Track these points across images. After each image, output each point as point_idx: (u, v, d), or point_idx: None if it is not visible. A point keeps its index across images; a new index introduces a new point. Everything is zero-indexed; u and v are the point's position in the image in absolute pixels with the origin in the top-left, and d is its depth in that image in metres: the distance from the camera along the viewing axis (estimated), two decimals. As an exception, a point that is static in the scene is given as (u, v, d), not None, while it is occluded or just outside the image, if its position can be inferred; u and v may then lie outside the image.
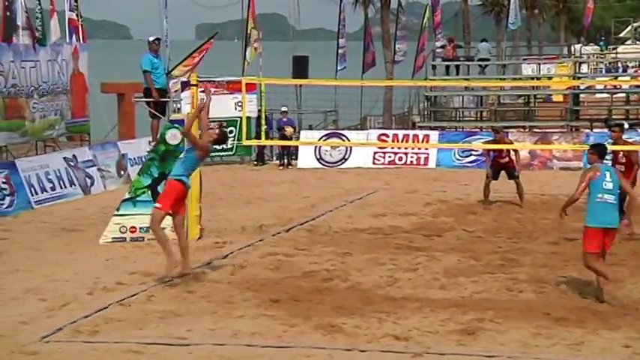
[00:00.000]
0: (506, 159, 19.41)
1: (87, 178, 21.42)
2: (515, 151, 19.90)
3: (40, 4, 25.03)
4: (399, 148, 26.99)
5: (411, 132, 29.46)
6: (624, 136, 17.04)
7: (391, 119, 35.50)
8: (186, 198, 13.16)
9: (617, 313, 10.56)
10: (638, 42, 51.82)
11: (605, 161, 11.84)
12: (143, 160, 19.16)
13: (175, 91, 26.63)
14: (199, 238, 15.56)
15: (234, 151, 28.71)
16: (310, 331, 10.12)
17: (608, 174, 11.39)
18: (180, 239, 12.61)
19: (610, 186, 11.30)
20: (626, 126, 29.12)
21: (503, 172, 19.47)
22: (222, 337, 9.93)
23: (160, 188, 15.63)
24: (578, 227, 15.90)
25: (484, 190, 19.23)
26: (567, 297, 11.38)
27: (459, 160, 26.49)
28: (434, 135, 27.86)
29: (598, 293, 11.23)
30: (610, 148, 15.25)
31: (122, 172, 22.95)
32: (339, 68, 33.66)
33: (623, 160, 16.08)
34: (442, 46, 36.13)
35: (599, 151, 11.83)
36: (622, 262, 13.39)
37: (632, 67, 41.94)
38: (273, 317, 10.66)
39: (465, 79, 33.77)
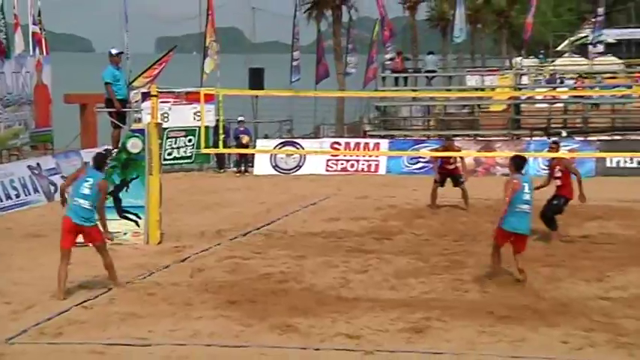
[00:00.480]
0: (453, 166, 19.54)
1: (51, 186, 21.17)
2: (462, 158, 20.05)
3: (4, 18, 24.75)
4: (350, 155, 27.06)
5: (362, 140, 29.56)
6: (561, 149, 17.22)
7: (343, 128, 35.56)
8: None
9: (556, 311, 10.67)
10: (574, 55, 52.43)
11: (523, 172, 12.25)
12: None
13: (136, 101, 26.48)
14: (159, 242, 15.47)
15: (193, 159, 28.61)
16: (266, 331, 10.10)
17: (527, 186, 12.00)
18: (103, 260, 12.20)
19: (528, 197, 11.97)
20: (564, 134, 29.68)
21: (450, 179, 19.62)
22: (182, 338, 9.88)
23: (121, 195, 15.58)
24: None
25: (432, 195, 19.34)
26: (509, 296, 11.47)
27: (407, 167, 26.60)
28: (384, 143, 27.97)
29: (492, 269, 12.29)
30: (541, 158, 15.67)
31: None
32: (293, 79, 33.68)
33: (559, 175, 16.15)
34: (391, 59, 36.27)
35: (515, 163, 12.30)
36: (561, 263, 13.56)
37: (570, 78, 42.43)
38: (230, 318, 10.63)
39: (413, 90, 33.91)
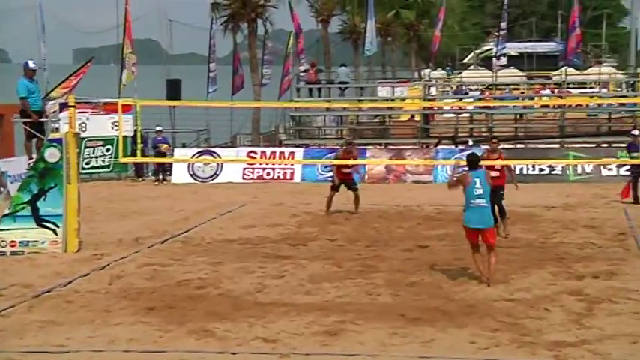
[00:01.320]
0: (349, 170, 19.65)
1: (-32, 195, 20.64)
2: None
3: None
4: (266, 164, 27.07)
5: (277, 149, 29.60)
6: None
7: (259, 138, 35.54)
8: None
9: (464, 312, 10.82)
10: (479, 67, 53.39)
11: (476, 169, 12.42)
12: (23, 177, 18.61)
13: (53, 111, 26.03)
14: (78, 250, 15.22)
15: (111, 168, 28.26)
16: (184, 336, 10.01)
17: (478, 181, 12.10)
18: None
19: (480, 192, 12.05)
20: (470, 143, 30.19)
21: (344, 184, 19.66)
22: (100, 344, 9.72)
23: (39, 204, 15.28)
24: (430, 235, 16.37)
25: (328, 201, 19.52)
26: (420, 299, 11.59)
27: (322, 174, 26.69)
28: (299, 152, 28.04)
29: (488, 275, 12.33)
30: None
31: (2, 189, 22.21)
32: (210, 90, 33.56)
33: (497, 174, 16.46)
34: (305, 70, 36.38)
35: (468, 160, 12.52)
36: (468, 265, 13.72)
37: (476, 89, 43.20)
38: (149, 324, 10.51)
39: (327, 101, 34.10)
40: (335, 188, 19.60)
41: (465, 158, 12.76)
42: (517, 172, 26.36)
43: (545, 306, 11.16)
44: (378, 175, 26.90)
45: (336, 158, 20.06)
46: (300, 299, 11.80)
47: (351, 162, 19.37)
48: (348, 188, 19.65)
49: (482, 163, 17.97)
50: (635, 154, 20.93)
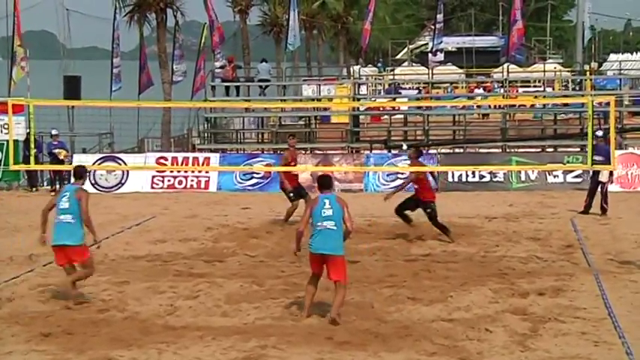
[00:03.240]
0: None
1: None
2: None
3: None
4: (178, 171, 26.91)
5: (190, 154, 29.50)
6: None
7: (170, 141, 35.32)
8: None
9: (398, 335, 10.91)
10: (414, 64, 54.00)
11: (327, 191, 11.96)
12: None
13: None
14: (-38, 270, 14.92)
15: (0, 176, 27.80)
16: (85, 366, 9.89)
17: (327, 202, 11.72)
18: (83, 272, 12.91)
19: (329, 212, 11.63)
20: (405, 147, 30.47)
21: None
22: (-12, 377, 9.55)
23: None
24: (360, 249, 16.45)
25: (288, 212, 19.48)
26: (350, 320, 11.64)
27: (240, 182, 26.68)
28: (214, 157, 27.97)
29: (332, 314, 11.52)
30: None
31: None
32: (113, 89, 33.27)
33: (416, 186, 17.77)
34: (222, 67, 36.29)
35: (318, 182, 12.21)
36: (403, 283, 13.86)
37: (410, 88, 43.66)
38: (44, 352, 10.36)
39: (246, 100, 34.05)
40: (295, 197, 19.33)
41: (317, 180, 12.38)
42: (455, 178, 26.93)
43: (487, 326, 11.31)
44: (304, 183, 26.76)
45: (285, 161, 19.96)
46: (217, 322, 11.76)
47: (295, 169, 19.46)
48: (302, 197, 19.39)
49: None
50: (598, 158, 19.29)
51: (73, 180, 13.59)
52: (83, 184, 13.47)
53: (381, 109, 35.54)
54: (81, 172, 13.55)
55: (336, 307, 11.54)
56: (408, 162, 18.74)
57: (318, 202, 11.76)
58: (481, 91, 41.34)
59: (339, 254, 11.65)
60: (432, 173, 18.43)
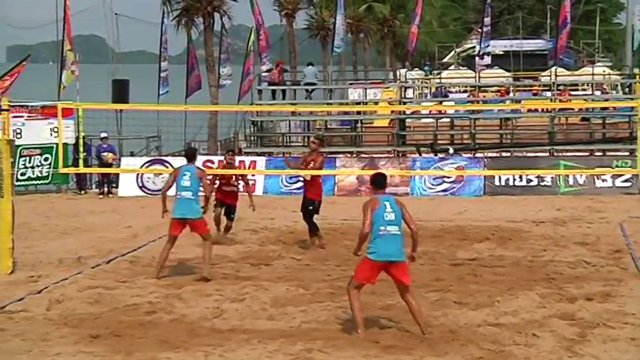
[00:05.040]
0: (230, 188, 18.74)
1: None
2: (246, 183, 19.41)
3: None
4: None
5: (237, 158, 29.51)
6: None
7: (216, 145, 35.48)
8: None
9: (445, 339, 10.85)
10: (461, 67, 53.68)
11: (382, 192, 11.31)
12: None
13: (-15, 116, 25.80)
14: (11, 272, 15.09)
15: (50, 179, 28.09)
16: (133, 368, 9.96)
17: (388, 205, 11.06)
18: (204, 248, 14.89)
19: (392, 217, 10.99)
20: (451, 151, 30.36)
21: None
22: (37, 378, 9.64)
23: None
24: (406, 253, 16.36)
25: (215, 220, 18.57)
26: (395, 324, 11.61)
27: (286, 186, 26.74)
28: (261, 161, 28.05)
29: (354, 322, 11.11)
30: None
31: None
32: (161, 92, 33.48)
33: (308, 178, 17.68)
34: (268, 70, 36.41)
35: (373, 181, 11.45)
36: (449, 287, 13.80)
37: (457, 91, 43.42)
38: (92, 354, 10.43)
39: (292, 104, 34.12)
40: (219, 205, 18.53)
41: (372, 178, 11.57)
42: (502, 182, 26.76)
43: (534, 331, 11.22)
44: (349, 187, 26.97)
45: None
46: (263, 325, 11.78)
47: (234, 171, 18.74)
48: (226, 213, 18.61)
49: (297, 172, 19.29)
50: None
51: (187, 162, 15.11)
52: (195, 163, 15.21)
53: (429, 112, 35.38)
54: (193, 154, 15.48)
55: (421, 314, 11.17)
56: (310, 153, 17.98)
57: (379, 204, 11.00)
58: (527, 94, 41.03)
59: (405, 259, 11.15)
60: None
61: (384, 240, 10.93)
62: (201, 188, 14.95)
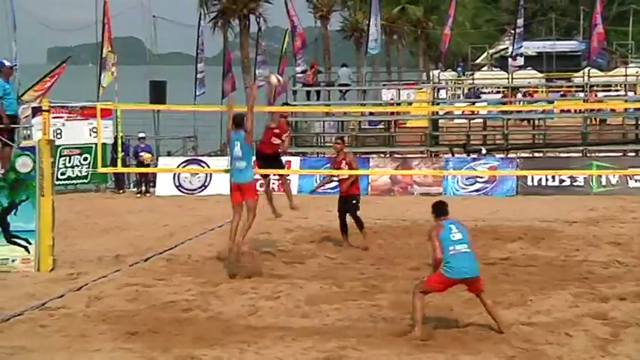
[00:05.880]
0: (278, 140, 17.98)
1: None
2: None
3: None
4: (260, 174, 26.98)
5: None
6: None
7: (251, 145, 35.52)
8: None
9: (478, 338, 10.81)
10: (494, 68, 53.47)
11: (445, 218, 11.46)
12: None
13: (26, 117, 26.05)
14: (52, 269, 15.21)
15: (89, 178, 28.28)
16: (169, 364, 10.00)
17: (453, 227, 11.27)
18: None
19: (459, 236, 11.16)
20: (484, 151, 30.23)
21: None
22: (77, 373, 9.70)
23: (9, 218, 15.24)
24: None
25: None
26: (429, 322, 11.57)
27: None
28: (295, 161, 28.06)
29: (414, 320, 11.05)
30: None
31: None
32: (197, 93, 33.59)
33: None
34: (303, 71, 36.44)
35: (435, 209, 11.61)
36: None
37: (489, 92, 43.24)
38: (130, 350, 10.49)
39: (326, 105, 34.12)
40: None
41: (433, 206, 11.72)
42: (535, 182, 26.62)
43: (567, 331, 11.15)
44: (383, 187, 26.92)
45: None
46: (297, 323, 11.79)
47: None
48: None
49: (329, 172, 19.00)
50: None
51: (235, 129, 15.70)
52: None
53: (461, 112, 35.28)
54: (240, 120, 15.70)
55: (499, 314, 11.42)
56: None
57: (443, 228, 11.25)
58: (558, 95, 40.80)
59: (479, 275, 11.38)
60: None
61: (456, 259, 11.05)
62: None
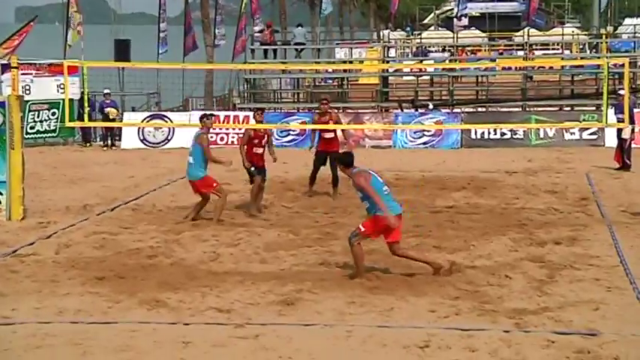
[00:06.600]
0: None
1: None
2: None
3: None
4: (220, 128, 26.90)
5: (231, 113, 29.48)
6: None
7: (212, 101, 35.34)
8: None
9: (424, 281, 10.89)
10: (440, 28, 53.37)
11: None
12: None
13: (-5, 73, 25.64)
14: (22, 218, 15.08)
15: (57, 132, 27.99)
16: (135, 307, 9.97)
17: (373, 172, 11.28)
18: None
19: (381, 180, 11.26)
20: (431, 106, 30.30)
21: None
22: (47, 316, 9.65)
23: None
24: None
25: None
26: (379, 266, 11.64)
27: (277, 139, 26.56)
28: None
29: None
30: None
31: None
32: (160, 52, 33.24)
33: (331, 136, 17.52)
34: (260, 31, 36.13)
35: (352, 160, 11.38)
36: (428, 233, 13.85)
37: (436, 51, 43.23)
38: (98, 294, 10.45)
39: (283, 63, 33.93)
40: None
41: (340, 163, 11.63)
42: (478, 135, 26.77)
43: (507, 273, 11.28)
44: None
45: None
46: (256, 268, 11.81)
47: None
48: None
49: (313, 127, 18.43)
50: (620, 116, 20.10)
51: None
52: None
53: (410, 70, 35.25)
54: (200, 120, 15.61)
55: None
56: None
57: (370, 174, 11.10)
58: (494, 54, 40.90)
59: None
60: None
61: (389, 198, 11.13)
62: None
